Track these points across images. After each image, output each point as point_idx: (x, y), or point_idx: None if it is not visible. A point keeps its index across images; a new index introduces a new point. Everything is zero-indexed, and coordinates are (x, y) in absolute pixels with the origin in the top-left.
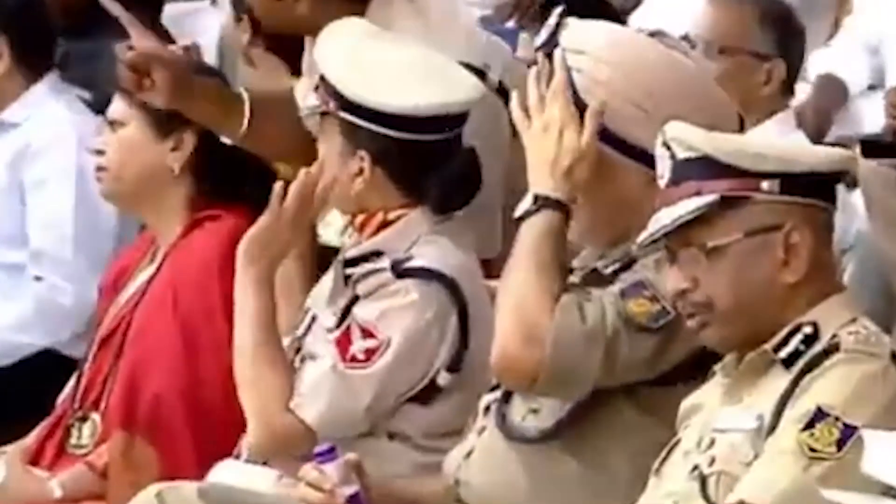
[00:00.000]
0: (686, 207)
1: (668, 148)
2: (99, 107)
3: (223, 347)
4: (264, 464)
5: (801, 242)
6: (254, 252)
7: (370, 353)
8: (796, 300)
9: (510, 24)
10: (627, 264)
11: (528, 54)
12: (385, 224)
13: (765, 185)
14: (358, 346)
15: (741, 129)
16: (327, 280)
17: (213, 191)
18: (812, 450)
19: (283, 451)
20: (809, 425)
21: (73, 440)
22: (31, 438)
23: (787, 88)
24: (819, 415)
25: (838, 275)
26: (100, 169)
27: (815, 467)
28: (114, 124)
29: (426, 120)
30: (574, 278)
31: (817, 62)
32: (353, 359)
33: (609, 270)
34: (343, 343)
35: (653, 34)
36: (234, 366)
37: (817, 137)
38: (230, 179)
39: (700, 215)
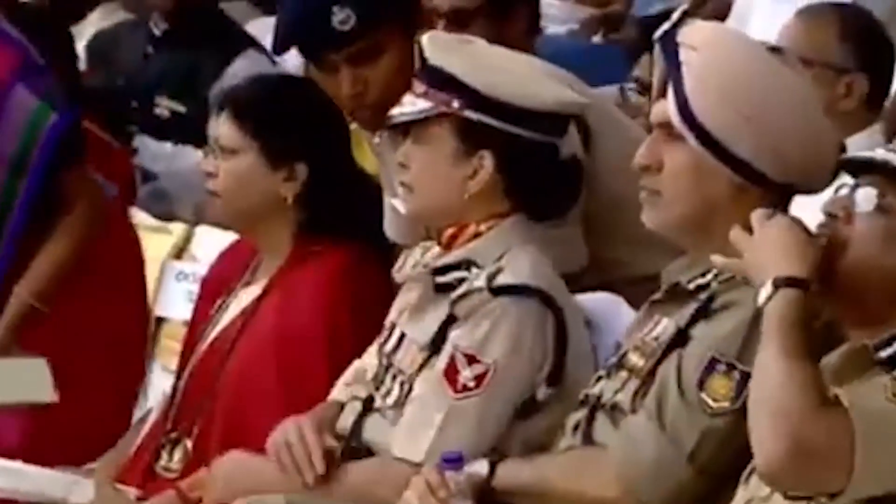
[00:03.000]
0: None
1: None
2: None
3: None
4: None
5: None
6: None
7: (480, 379)
8: None
9: (596, 38)
10: (709, 283)
11: (644, 74)
12: (477, 235)
13: None
14: (466, 374)
15: (843, 152)
16: (410, 295)
17: (320, 224)
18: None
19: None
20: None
21: (162, 462)
22: (123, 456)
23: (873, 104)
24: None
25: None
26: (210, 193)
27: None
28: (224, 150)
29: (549, 119)
30: (658, 294)
31: None
32: (465, 388)
33: (692, 286)
34: (451, 375)
35: (772, 49)
36: None
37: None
38: (339, 214)
39: None
